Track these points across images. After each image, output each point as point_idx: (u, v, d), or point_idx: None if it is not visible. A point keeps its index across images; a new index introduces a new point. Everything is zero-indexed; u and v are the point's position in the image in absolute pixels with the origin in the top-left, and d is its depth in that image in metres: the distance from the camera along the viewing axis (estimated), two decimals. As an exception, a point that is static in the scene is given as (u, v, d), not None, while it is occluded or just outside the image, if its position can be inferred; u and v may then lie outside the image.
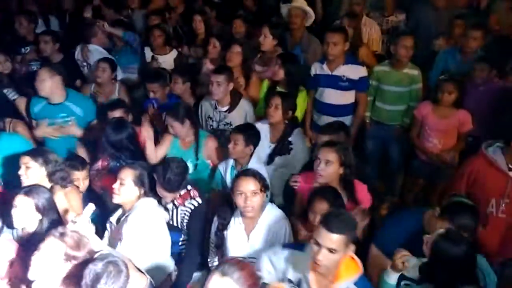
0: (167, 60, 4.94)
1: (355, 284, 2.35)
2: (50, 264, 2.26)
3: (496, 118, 4.10)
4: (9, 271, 2.61)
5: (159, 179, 3.03)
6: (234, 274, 1.90)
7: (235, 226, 2.93)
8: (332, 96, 4.29)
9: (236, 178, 2.93)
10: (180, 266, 3.13)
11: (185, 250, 3.18)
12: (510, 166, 3.15)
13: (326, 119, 4.30)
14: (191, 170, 3.65)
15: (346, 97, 4.32)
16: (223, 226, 2.97)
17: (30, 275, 2.28)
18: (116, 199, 2.99)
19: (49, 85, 3.82)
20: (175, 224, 3.18)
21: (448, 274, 2.41)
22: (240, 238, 2.92)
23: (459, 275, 2.41)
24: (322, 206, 2.82)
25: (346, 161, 3.10)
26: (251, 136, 3.52)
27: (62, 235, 2.27)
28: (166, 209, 3.16)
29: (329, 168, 3.07)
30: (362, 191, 3.23)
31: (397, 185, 4.66)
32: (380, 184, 4.81)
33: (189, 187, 3.15)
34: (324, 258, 2.26)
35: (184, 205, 3.11)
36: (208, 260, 3.13)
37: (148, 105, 4.06)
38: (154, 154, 3.64)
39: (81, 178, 3.34)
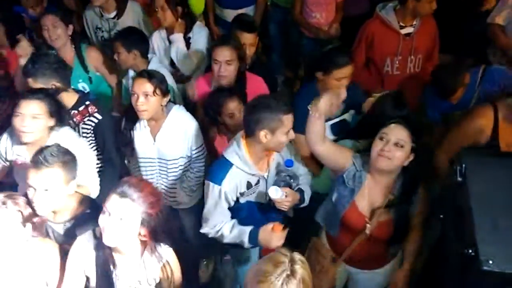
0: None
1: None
2: (11, 234, 2.05)
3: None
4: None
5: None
6: (134, 195, 1.93)
7: (141, 128, 2.90)
8: None
9: (133, 78, 2.88)
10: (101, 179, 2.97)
11: (104, 164, 3.02)
12: (402, 24, 3.32)
13: (231, 13, 4.11)
14: (87, 88, 3.47)
15: None
16: (130, 126, 2.92)
17: None
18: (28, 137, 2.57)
19: None
20: None
21: None
22: (146, 140, 2.90)
23: None
24: (234, 105, 2.89)
25: (242, 55, 3.10)
26: (131, 40, 3.27)
27: (4, 203, 2.07)
28: None
29: (230, 67, 3.05)
30: (256, 84, 3.22)
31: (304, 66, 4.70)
32: (288, 71, 4.89)
33: (87, 102, 2.94)
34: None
35: (84, 123, 2.92)
36: None
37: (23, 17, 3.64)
38: None
39: None
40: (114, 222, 1.93)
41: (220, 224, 2.53)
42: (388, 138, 2.29)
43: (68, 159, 2.25)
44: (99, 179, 2.86)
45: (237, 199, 2.52)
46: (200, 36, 3.63)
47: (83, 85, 3.47)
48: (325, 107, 2.31)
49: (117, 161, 3.00)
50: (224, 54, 3.03)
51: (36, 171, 2.16)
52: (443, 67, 3.24)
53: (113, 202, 1.94)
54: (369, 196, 2.39)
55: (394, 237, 2.42)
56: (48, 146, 2.26)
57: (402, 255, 2.53)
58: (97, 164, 2.95)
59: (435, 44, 3.49)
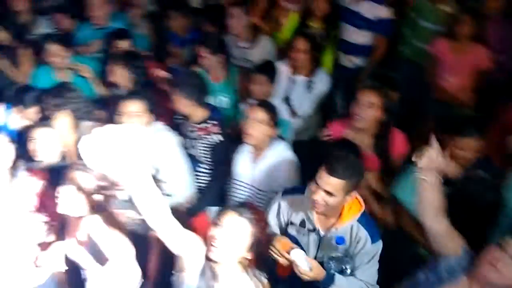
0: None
1: (358, 221, 2.30)
2: (79, 197, 2.23)
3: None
4: (39, 204, 2.57)
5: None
6: (250, 216, 2.02)
7: (244, 152, 3.01)
8: (348, 33, 4.05)
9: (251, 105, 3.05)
10: (202, 193, 3.20)
11: (210, 178, 3.21)
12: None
13: (346, 58, 4.10)
14: (225, 105, 3.68)
15: (363, 37, 4.03)
16: (235, 147, 3.08)
17: (60, 209, 2.27)
18: None
19: None
20: (195, 153, 3.23)
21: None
22: (245, 165, 2.99)
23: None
24: None
25: (388, 106, 2.97)
26: (272, 74, 3.52)
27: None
28: (187, 137, 3.24)
29: (370, 111, 2.92)
30: (399, 140, 3.07)
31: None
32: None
33: (214, 122, 3.17)
34: (321, 199, 2.21)
35: (206, 139, 3.14)
36: None
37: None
38: None
39: None
40: (226, 237, 1.98)
41: None
42: (504, 247, 1.89)
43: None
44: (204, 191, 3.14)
45: (286, 228, 2.43)
46: (323, 83, 3.67)
47: (220, 98, 3.68)
48: (431, 158, 2.04)
49: (223, 179, 3.13)
50: (368, 96, 2.93)
51: None
52: None
53: (231, 218, 2.01)
54: None
55: None
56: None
57: None
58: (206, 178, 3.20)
59: None
